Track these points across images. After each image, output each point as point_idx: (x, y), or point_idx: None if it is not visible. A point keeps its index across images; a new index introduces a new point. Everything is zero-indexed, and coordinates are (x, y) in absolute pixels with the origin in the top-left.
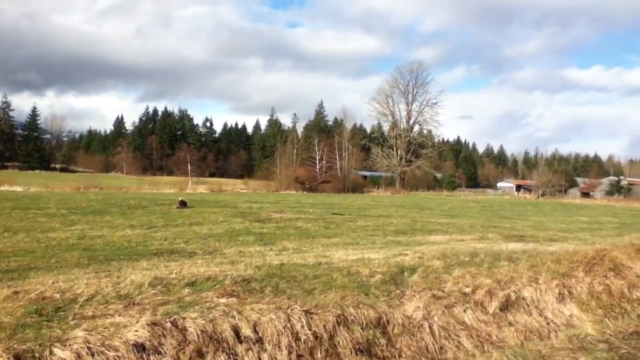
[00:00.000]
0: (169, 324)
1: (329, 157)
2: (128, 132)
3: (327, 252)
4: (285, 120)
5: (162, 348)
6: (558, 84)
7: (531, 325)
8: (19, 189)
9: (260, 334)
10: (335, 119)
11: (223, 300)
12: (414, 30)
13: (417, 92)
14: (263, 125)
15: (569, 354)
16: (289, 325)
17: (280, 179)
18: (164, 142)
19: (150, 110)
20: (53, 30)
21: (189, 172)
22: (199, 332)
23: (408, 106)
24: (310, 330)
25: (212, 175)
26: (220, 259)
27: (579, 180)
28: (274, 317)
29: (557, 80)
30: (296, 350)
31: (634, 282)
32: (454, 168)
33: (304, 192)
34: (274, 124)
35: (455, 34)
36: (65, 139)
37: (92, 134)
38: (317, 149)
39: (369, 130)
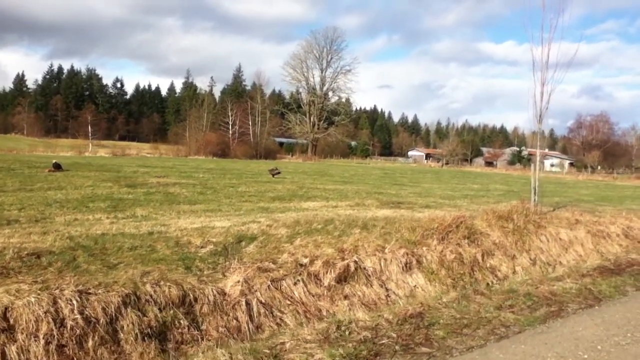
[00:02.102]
0: None
1: (243, 123)
2: (30, 90)
3: (171, 220)
4: (203, 84)
5: None
6: (473, 56)
7: (369, 298)
8: None
9: (11, 321)
10: (254, 84)
11: None
12: None
13: (331, 59)
14: (178, 88)
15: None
16: (52, 309)
17: (190, 143)
18: (69, 102)
19: (55, 68)
20: None
21: (90, 134)
22: None
23: (322, 72)
24: (81, 314)
25: (122, 138)
26: (36, 229)
27: (484, 150)
28: (33, 300)
29: (472, 52)
30: (58, 340)
31: (489, 250)
32: (370, 136)
33: (214, 158)
34: (189, 86)
35: (378, 2)
36: None
37: None
38: (230, 114)
39: (287, 97)
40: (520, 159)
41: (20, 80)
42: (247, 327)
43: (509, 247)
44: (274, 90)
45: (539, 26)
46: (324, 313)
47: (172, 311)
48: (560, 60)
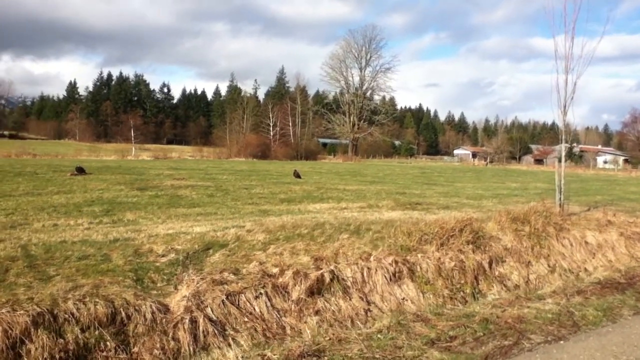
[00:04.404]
0: None
1: (284, 124)
2: (82, 97)
3: (153, 225)
4: (248, 87)
5: None
6: (524, 52)
7: (345, 313)
8: None
9: None
10: (298, 85)
11: None
12: None
13: (370, 57)
14: (223, 91)
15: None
16: None
17: (230, 146)
18: (118, 108)
19: (105, 75)
20: None
21: (132, 138)
22: None
23: (361, 71)
24: None
25: (169, 142)
26: (1, 236)
27: (533, 147)
28: None
29: (523, 48)
30: None
31: (499, 256)
32: (415, 135)
33: (253, 159)
34: (233, 90)
35: (425, 0)
36: (20, 104)
37: (44, 100)
38: (270, 115)
39: (329, 97)
40: (572, 156)
41: (72, 87)
42: (188, 349)
43: (523, 253)
44: (317, 92)
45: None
46: (288, 331)
47: (97, 331)
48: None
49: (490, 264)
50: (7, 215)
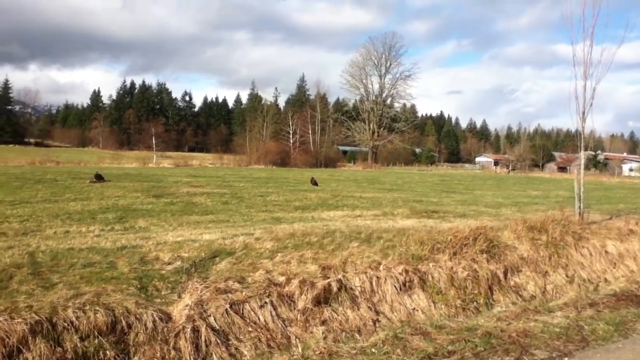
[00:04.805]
0: None
1: (304, 132)
2: (105, 106)
3: (163, 232)
4: (269, 95)
5: None
6: (548, 59)
7: (352, 323)
8: None
9: None
10: (318, 93)
11: None
12: (406, 2)
13: (390, 65)
14: (244, 99)
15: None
16: None
17: (250, 153)
18: (141, 116)
19: (128, 84)
20: (36, 1)
21: (154, 146)
22: None
23: (381, 79)
24: None
25: (191, 150)
26: (6, 244)
27: (557, 154)
28: None
29: (547, 55)
30: None
31: (515, 266)
32: (436, 143)
33: (273, 167)
34: (254, 97)
35: (448, 7)
36: (46, 112)
37: (69, 108)
38: (290, 123)
39: (349, 105)
40: (596, 164)
41: (96, 96)
42: (189, 359)
43: (540, 262)
44: (337, 99)
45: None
46: (293, 341)
47: (96, 340)
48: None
49: (505, 273)
50: (21, 222)
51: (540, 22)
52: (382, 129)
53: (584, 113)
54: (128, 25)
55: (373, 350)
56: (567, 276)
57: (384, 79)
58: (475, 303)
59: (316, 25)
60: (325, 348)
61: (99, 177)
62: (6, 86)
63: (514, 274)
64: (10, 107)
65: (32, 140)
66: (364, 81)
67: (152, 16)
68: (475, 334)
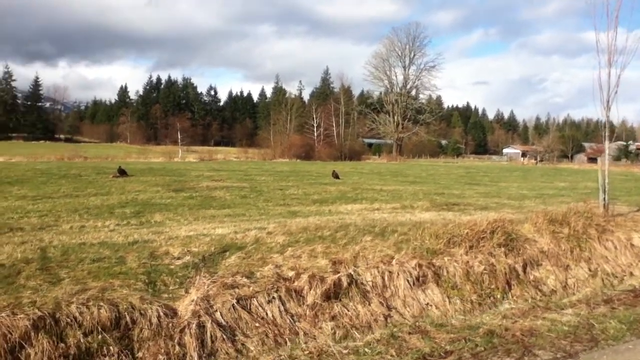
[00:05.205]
0: None
1: (328, 125)
2: (132, 101)
3: (177, 226)
4: (293, 88)
5: None
6: (577, 47)
7: (363, 318)
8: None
9: None
10: (343, 85)
11: None
12: None
13: (414, 56)
14: (269, 93)
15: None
16: None
17: (274, 147)
18: (167, 111)
19: (154, 79)
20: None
21: (179, 140)
22: None
23: (405, 70)
24: None
25: (217, 144)
26: (20, 239)
27: (587, 145)
28: None
29: (576, 43)
30: None
31: (534, 259)
32: (463, 135)
33: (297, 160)
34: (278, 91)
35: None
36: (75, 109)
37: (97, 104)
38: (314, 116)
39: (373, 97)
40: (627, 154)
41: (123, 91)
42: (194, 355)
43: (561, 256)
44: (362, 92)
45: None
46: (302, 337)
47: (100, 336)
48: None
49: (524, 267)
50: (40, 217)
51: (568, 9)
52: (406, 121)
53: (608, 102)
54: (153, 21)
55: (366, 349)
56: (589, 270)
57: (408, 70)
58: (492, 298)
59: (341, 17)
60: (315, 348)
61: (122, 172)
62: (36, 83)
63: (534, 268)
64: (40, 103)
65: (62, 137)
66: (388, 73)
67: (177, 11)
68: (477, 333)
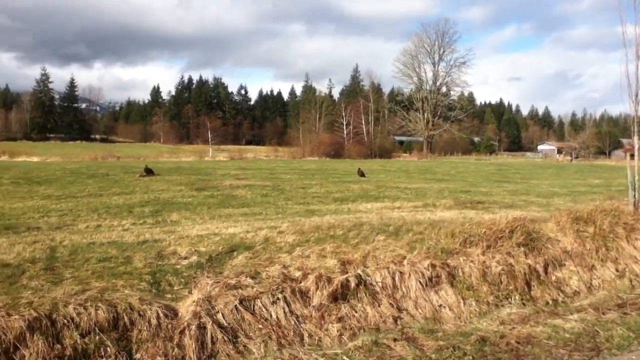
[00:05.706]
0: None
1: (357, 123)
2: (165, 101)
3: (191, 225)
4: (323, 87)
5: None
6: (613, 41)
7: (371, 320)
8: (35, 159)
9: None
10: (372, 83)
11: None
12: None
13: (443, 52)
14: (299, 91)
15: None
16: None
17: (303, 145)
18: (199, 110)
19: (186, 79)
20: (100, 3)
21: (209, 139)
22: None
23: (434, 67)
24: None
25: (248, 143)
26: (34, 238)
27: (625, 141)
28: None
29: (612, 37)
30: None
31: (557, 259)
32: (496, 131)
33: (326, 158)
34: (308, 89)
35: None
36: (110, 109)
37: (131, 104)
38: (344, 114)
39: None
40: None
41: (156, 92)
42: (193, 356)
43: (586, 256)
44: (392, 89)
45: None
46: (306, 339)
47: (97, 337)
48: None
49: (545, 268)
50: (60, 216)
51: (603, 3)
52: (437, 118)
53: (637, 96)
54: (185, 22)
55: (345, 358)
56: (617, 270)
57: (438, 66)
58: (509, 299)
59: (370, 14)
60: (290, 355)
61: (148, 171)
62: (72, 85)
63: (556, 268)
64: (76, 105)
65: (97, 137)
66: (417, 70)
67: (208, 12)
68: (468, 340)
